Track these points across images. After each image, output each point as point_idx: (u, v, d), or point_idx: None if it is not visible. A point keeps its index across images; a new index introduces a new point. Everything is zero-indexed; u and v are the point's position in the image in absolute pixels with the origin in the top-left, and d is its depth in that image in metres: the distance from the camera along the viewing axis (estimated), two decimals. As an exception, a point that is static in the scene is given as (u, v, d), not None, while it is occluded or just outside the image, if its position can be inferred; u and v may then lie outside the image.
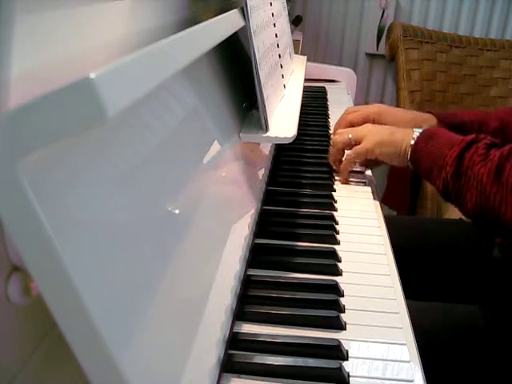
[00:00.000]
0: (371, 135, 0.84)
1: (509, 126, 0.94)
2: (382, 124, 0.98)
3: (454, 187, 0.71)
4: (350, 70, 1.66)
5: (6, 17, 0.28)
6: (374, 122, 0.99)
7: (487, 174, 0.67)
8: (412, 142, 0.79)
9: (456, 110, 1.91)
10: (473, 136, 0.73)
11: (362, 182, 0.90)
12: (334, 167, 0.92)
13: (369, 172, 0.95)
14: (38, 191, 0.26)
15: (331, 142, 0.94)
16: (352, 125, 1.02)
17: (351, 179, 0.90)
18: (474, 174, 0.69)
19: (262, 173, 0.81)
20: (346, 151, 0.90)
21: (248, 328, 0.53)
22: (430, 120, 0.97)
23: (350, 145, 0.87)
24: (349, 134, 0.87)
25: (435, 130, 0.78)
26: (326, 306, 0.56)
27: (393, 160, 0.83)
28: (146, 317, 0.35)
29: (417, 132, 0.79)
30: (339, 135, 0.89)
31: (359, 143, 0.85)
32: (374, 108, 1.02)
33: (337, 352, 0.49)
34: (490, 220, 0.68)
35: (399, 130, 0.83)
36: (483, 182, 0.67)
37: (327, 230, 0.72)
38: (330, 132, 1.14)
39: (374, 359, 0.49)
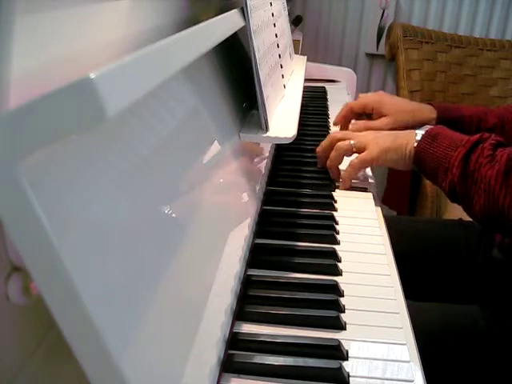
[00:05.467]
0: (375, 143, 0.82)
1: (508, 122, 0.94)
2: (381, 113, 0.98)
3: (461, 189, 0.71)
4: (350, 70, 1.66)
5: (6, 17, 0.28)
6: (373, 110, 0.99)
7: (495, 176, 0.66)
8: (415, 145, 0.77)
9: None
10: (477, 136, 0.72)
11: (364, 188, 0.88)
12: (331, 172, 0.89)
13: (369, 172, 0.94)
14: (38, 191, 0.26)
15: (327, 139, 0.90)
16: (352, 111, 1.02)
17: (353, 182, 0.89)
18: (481, 176, 0.68)
19: (261, 173, 0.81)
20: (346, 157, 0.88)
21: (248, 328, 0.53)
22: (429, 112, 0.97)
23: (352, 151, 0.85)
24: (351, 140, 0.85)
25: (438, 130, 0.77)
26: (326, 306, 0.56)
27: (398, 165, 0.81)
28: (146, 317, 0.35)
29: (419, 134, 0.78)
30: (341, 141, 0.86)
31: (362, 150, 0.83)
32: (374, 96, 1.01)
33: (337, 352, 0.49)
34: (498, 222, 0.68)
35: (401, 134, 0.81)
36: (491, 185, 0.67)
37: (327, 230, 0.72)
38: (330, 132, 1.14)
39: (374, 359, 0.49)
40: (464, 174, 0.70)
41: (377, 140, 0.82)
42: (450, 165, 0.71)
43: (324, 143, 0.90)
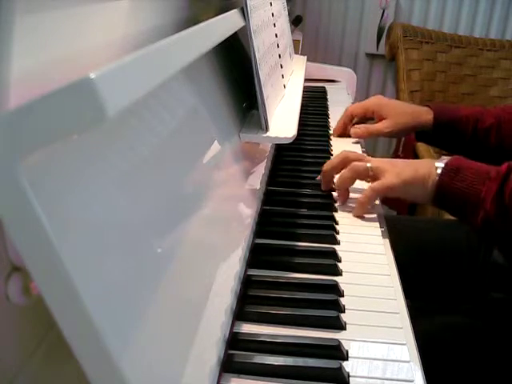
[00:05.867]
0: (395, 173, 0.75)
1: (505, 122, 0.95)
2: (381, 115, 0.99)
3: (500, 225, 0.68)
4: (350, 70, 1.66)
5: (6, 17, 0.28)
6: (373, 113, 1.01)
7: None
8: (436, 178, 0.72)
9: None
10: (504, 166, 0.69)
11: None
12: (339, 193, 0.81)
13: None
14: (38, 191, 0.26)
15: (338, 158, 0.81)
16: (352, 116, 1.04)
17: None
18: None
19: (261, 173, 0.81)
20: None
21: (248, 328, 0.53)
22: (426, 113, 0.98)
23: (367, 175, 0.78)
24: (367, 163, 0.77)
25: (459, 163, 0.72)
26: (326, 306, 0.56)
27: (417, 198, 0.77)
28: (146, 317, 0.35)
29: (439, 167, 0.72)
30: (357, 162, 0.78)
31: (378, 176, 0.76)
32: (373, 100, 1.03)
33: (337, 352, 0.49)
34: None
35: (421, 166, 0.75)
36: None
37: (327, 230, 0.72)
38: (330, 132, 1.14)
39: (374, 359, 0.49)
40: (501, 208, 0.67)
41: (396, 170, 0.75)
42: (481, 200, 0.68)
43: (334, 162, 0.81)
